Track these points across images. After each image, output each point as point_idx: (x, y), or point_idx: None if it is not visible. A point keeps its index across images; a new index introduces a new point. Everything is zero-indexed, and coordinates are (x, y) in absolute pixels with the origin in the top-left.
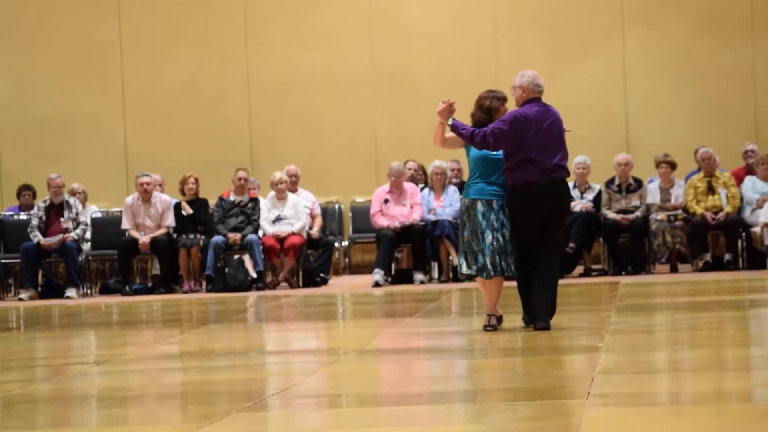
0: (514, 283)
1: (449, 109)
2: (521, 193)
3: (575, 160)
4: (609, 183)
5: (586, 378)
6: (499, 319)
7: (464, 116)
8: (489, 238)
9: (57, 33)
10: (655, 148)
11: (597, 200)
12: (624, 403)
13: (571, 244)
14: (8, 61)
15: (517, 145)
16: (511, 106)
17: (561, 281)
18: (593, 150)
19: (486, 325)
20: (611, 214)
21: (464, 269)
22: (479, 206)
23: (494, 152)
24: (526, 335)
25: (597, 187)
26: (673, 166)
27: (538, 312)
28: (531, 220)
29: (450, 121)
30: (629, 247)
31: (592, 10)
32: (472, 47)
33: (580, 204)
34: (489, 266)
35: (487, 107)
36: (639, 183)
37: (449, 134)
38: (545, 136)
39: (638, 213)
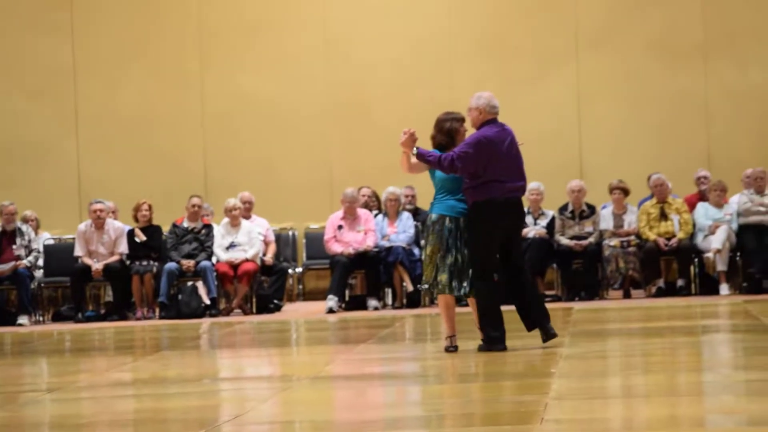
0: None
1: (411, 139)
2: (484, 209)
3: (529, 186)
4: (562, 209)
5: (539, 404)
6: (456, 347)
7: (424, 142)
8: (452, 256)
9: (9, 56)
10: (609, 174)
11: (550, 226)
12: (578, 429)
13: None
14: None
15: (481, 167)
16: (468, 128)
17: (514, 306)
18: (547, 176)
19: (449, 347)
20: (564, 240)
21: (424, 286)
22: (447, 222)
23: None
24: (480, 360)
25: (550, 213)
26: (626, 192)
27: (545, 321)
28: (495, 235)
29: (415, 151)
30: (583, 273)
31: (546, 36)
32: (426, 74)
33: (533, 230)
34: (451, 284)
35: (448, 129)
36: (592, 209)
37: (415, 160)
38: (506, 156)
39: (591, 239)
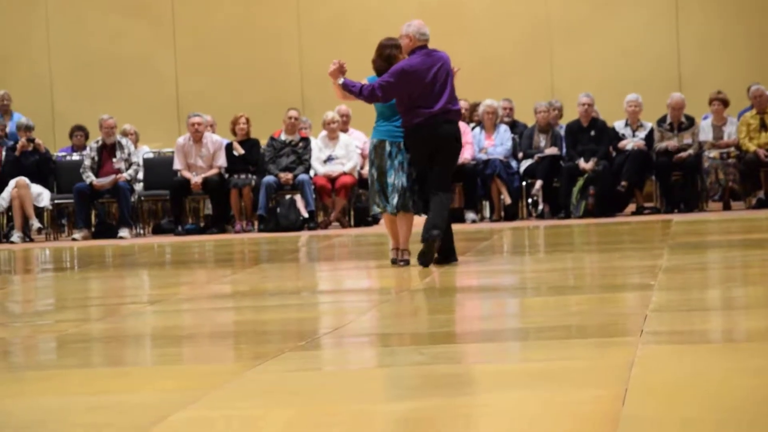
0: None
1: (340, 69)
2: (410, 135)
3: (627, 98)
4: (661, 121)
5: (638, 316)
6: (407, 261)
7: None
8: (392, 177)
9: None
10: (708, 86)
11: (649, 138)
12: (677, 340)
13: (623, 183)
14: (59, 2)
15: (405, 95)
16: None
17: (614, 219)
18: (645, 88)
19: (394, 259)
20: (663, 144)
21: (374, 209)
22: (387, 146)
23: None
24: (577, 273)
25: (649, 125)
26: (725, 103)
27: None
28: (420, 159)
29: (340, 81)
30: (682, 184)
31: None
32: None
33: (632, 142)
34: (394, 203)
35: (387, 55)
36: (691, 121)
37: None
38: (431, 83)
39: (691, 150)
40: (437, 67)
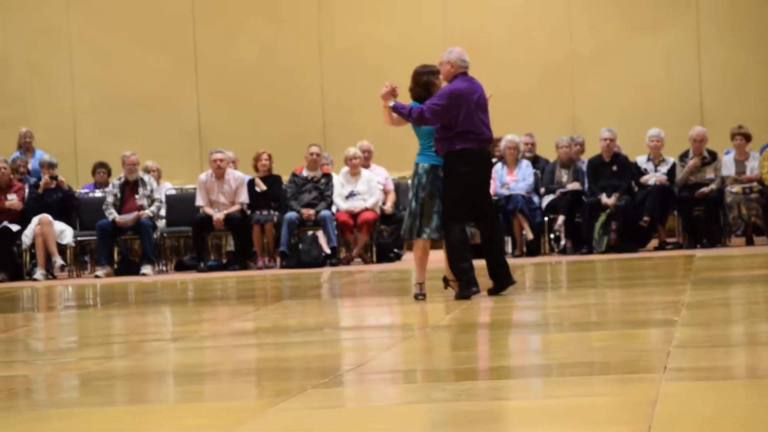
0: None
1: (392, 92)
2: (457, 159)
3: (649, 132)
4: (683, 156)
5: (662, 352)
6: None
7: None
8: (438, 202)
9: (127, 9)
10: (730, 120)
11: (671, 173)
12: (700, 377)
13: (646, 218)
14: (83, 37)
15: (453, 119)
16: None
17: (636, 254)
18: (667, 122)
19: (417, 294)
20: (686, 170)
21: (411, 233)
22: (439, 172)
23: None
24: (600, 309)
25: (671, 159)
26: (747, 138)
27: (505, 271)
28: (469, 183)
29: (391, 103)
30: (704, 220)
31: None
32: (545, 18)
33: (654, 177)
34: (433, 226)
35: (425, 82)
36: (714, 155)
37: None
38: (475, 109)
39: (713, 186)
40: (478, 95)
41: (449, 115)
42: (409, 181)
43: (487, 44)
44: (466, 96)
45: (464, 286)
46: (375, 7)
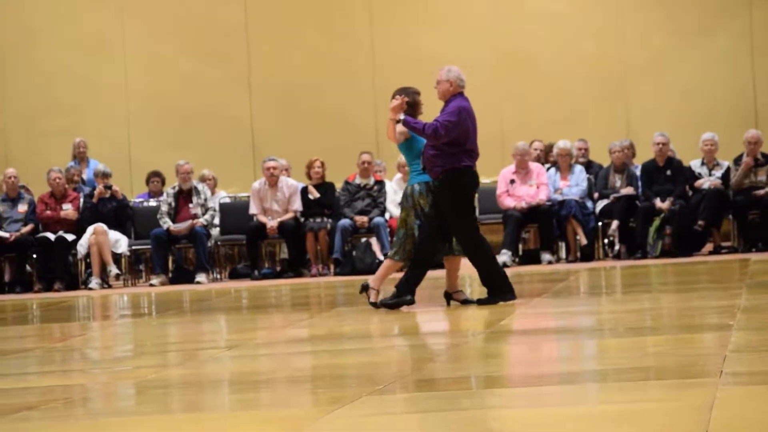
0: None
1: (402, 106)
2: (464, 176)
3: (703, 137)
4: (738, 159)
5: (717, 356)
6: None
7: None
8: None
9: (181, 19)
10: None
11: (725, 177)
12: (757, 381)
13: (700, 222)
14: (137, 48)
15: (464, 135)
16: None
17: (691, 259)
18: (721, 125)
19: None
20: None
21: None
22: (430, 188)
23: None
24: (655, 314)
25: (725, 163)
26: None
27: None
28: (470, 200)
29: (401, 117)
30: (759, 223)
31: None
32: (595, 26)
33: (708, 181)
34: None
35: (411, 102)
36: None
37: (400, 129)
38: (475, 128)
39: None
40: (473, 113)
41: (460, 131)
42: (402, 203)
43: (539, 52)
44: (471, 114)
45: (507, 290)
46: (425, 18)
